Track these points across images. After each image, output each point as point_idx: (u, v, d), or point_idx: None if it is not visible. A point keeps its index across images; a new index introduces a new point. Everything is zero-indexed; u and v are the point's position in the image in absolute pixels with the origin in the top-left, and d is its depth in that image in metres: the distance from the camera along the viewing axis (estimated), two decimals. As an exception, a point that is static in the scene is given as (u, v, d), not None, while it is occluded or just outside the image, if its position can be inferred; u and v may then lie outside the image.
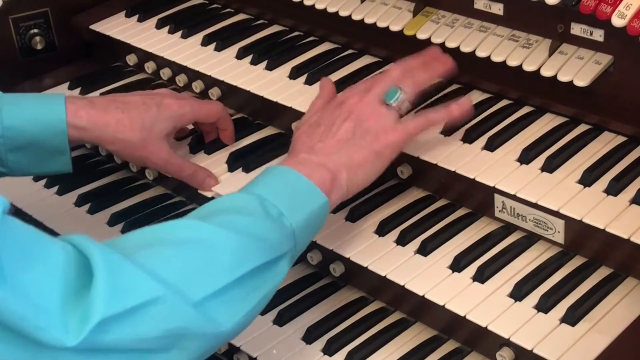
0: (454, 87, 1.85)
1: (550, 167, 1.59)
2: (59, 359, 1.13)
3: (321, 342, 1.60)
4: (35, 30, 2.31)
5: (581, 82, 1.65)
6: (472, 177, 1.61)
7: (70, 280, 1.15)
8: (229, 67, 2.04)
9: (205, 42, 2.14)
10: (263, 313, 1.66)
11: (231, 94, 2.04)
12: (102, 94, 2.19)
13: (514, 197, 1.57)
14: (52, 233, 1.94)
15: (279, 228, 1.39)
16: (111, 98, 1.82)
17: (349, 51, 2.03)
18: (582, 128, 1.68)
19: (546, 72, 1.69)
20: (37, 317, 1.11)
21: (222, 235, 1.32)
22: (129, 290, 1.18)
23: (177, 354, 1.24)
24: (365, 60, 1.99)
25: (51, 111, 1.71)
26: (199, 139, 1.97)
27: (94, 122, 1.73)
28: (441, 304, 1.50)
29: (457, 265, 1.56)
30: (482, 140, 1.68)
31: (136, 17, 2.30)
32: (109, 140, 1.76)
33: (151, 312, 1.19)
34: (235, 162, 1.88)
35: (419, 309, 1.59)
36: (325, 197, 1.47)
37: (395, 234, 1.65)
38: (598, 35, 1.67)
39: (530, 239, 1.60)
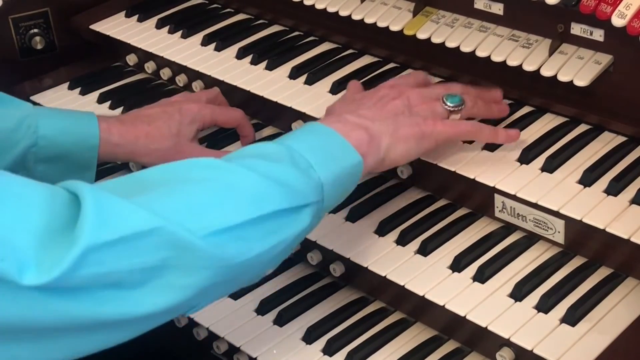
0: (454, 87, 1.85)
1: (550, 167, 1.59)
2: (19, 297, 1.12)
3: (321, 342, 1.60)
4: (35, 30, 2.31)
5: (581, 82, 1.65)
6: (472, 177, 1.61)
7: (55, 217, 1.15)
8: (229, 67, 2.04)
9: (205, 42, 2.14)
10: (263, 313, 1.67)
11: (231, 94, 2.03)
12: (102, 94, 2.19)
13: (514, 197, 1.57)
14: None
15: (305, 178, 1.38)
16: (136, 114, 1.86)
17: (349, 51, 2.03)
18: (582, 128, 1.68)
19: (546, 72, 1.69)
20: (1, 253, 1.10)
21: (242, 174, 1.32)
22: (120, 220, 1.17)
23: (161, 289, 1.22)
24: (365, 60, 1.99)
25: (85, 126, 1.74)
26: (200, 138, 1.96)
27: (125, 137, 1.77)
28: (441, 304, 1.50)
29: (457, 265, 1.56)
30: (482, 140, 1.68)
31: (136, 17, 2.30)
32: (143, 153, 1.79)
33: (145, 243, 1.18)
34: (235, 162, 1.88)
35: (419, 309, 1.59)
36: (359, 156, 1.46)
37: (395, 234, 1.65)
38: (598, 35, 1.67)
39: (530, 239, 1.60)
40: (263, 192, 1.31)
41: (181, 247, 1.21)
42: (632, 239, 1.44)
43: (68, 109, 1.83)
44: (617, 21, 1.54)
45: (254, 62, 2.03)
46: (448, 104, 1.60)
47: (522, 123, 1.71)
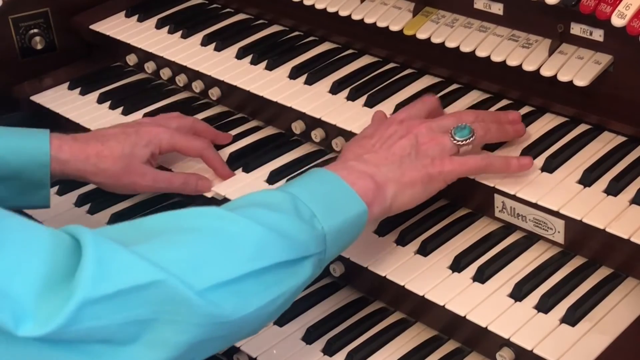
0: (454, 86, 1.85)
1: (550, 167, 1.59)
2: (12, 347, 1.10)
3: (321, 342, 1.60)
4: (35, 30, 2.31)
5: (581, 82, 1.65)
6: (472, 177, 1.61)
7: (56, 266, 1.13)
8: (228, 67, 2.04)
9: (205, 42, 2.14)
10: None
11: (231, 93, 2.04)
12: (102, 94, 2.19)
13: (514, 197, 1.57)
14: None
15: (308, 229, 1.36)
16: (92, 133, 1.83)
17: (349, 51, 2.03)
18: (582, 128, 1.68)
19: (546, 72, 1.69)
20: None
21: (244, 225, 1.29)
22: (119, 272, 1.16)
23: (153, 345, 1.19)
24: (365, 60, 1.99)
25: (36, 143, 1.71)
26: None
27: (75, 155, 1.74)
28: (441, 304, 1.50)
29: (457, 265, 1.56)
30: (482, 140, 1.68)
31: (136, 17, 2.30)
32: (92, 172, 1.76)
33: (141, 296, 1.16)
34: (235, 162, 1.89)
35: (419, 309, 1.59)
36: (364, 205, 1.43)
37: (395, 234, 1.64)
38: (598, 35, 1.67)
39: (530, 239, 1.60)
40: (265, 244, 1.30)
41: (177, 302, 1.19)
42: (632, 239, 1.44)
43: (20, 128, 1.77)
44: (617, 21, 1.54)
45: (254, 62, 2.03)
46: (457, 138, 1.55)
47: (522, 123, 1.71)
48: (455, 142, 1.55)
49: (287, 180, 1.79)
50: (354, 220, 1.42)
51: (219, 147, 1.94)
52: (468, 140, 1.55)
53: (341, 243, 1.43)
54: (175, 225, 1.29)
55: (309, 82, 1.94)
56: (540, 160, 1.61)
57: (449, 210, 1.69)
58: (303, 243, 1.34)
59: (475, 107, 1.77)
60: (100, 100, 2.18)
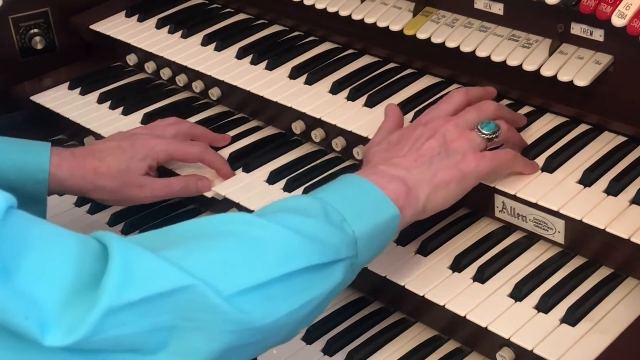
0: (454, 86, 1.85)
1: (550, 167, 1.59)
2: (38, 357, 1.08)
3: (321, 342, 1.60)
4: (35, 30, 2.31)
5: (581, 82, 1.65)
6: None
7: (83, 273, 1.12)
8: (229, 67, 2.04)
9: (205, 42, 2.14)
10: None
11: (231, 93, 2.04)
12: (102, 94, 2.19)
13: (514, 197, 1.57)
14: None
15: (338, 233, 1.34)
16: (89, 148, 1.82)
17: (349, 51, 2.03)
18: (582, 128, 1.68)
19: (546, 72, 1.69)
20: (25, 311, 1.06)
21: (273, 230, 1.28)
22: (145, 278, 1.14)
23: (181, 353, 1.17)
24: (365, 60, 1.99)
25: (36, 159, 1.69)
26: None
27: (73, 172, 1.73)
28: (441, 304, 1.50)
29: (457, 265, 1.56)
30: (482, 140, 1.68)
31: (136, 17, 2.30)
32: (91, 189, 1.75)
33: (168, 302, 1.14)
34: (235, 162, 1.89)
35: (419, 309, 1.59)
36: (396, 209, 1.41)
37: (395, 234, 1.65)
38: (598, 35, 1.67)
39: (530, 239, 1.60)
40: (294, 248, 1.28)
41: (205, 308, 1.17)
42: (632, 239, 1.44)
43: (21, 140, 1.76)
44: (617, 21, 1.54)
45: (254, 62, 2.03)
46: (484, 132, 1.54)
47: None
48: (483, 136, 1.54)
49: (287, 181, 1.80)
50: (386, 224, 1.41)
51: (219, 147, 1.94)
52: (496, 134, 1.54)
53: (374, 247, 1.41)
54: (203, 231, 1.27)
55: (309, 82, 1.94)
56: (540, 160, 1.61)
57: (449, 210, 1.69)
58: (333, 247, 1.32)
59: (475, 107, 1.77)
60: (100, 100, 2.18)
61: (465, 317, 1.47)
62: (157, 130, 1.87)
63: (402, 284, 1.55)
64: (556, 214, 1.52)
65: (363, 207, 1.39)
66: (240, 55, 2.07)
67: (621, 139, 1.64)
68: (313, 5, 2.05)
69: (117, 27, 2.28)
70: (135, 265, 1.14)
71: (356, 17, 1.97)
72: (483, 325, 1.45)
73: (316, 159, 1.87)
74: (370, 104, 1.83)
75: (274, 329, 1.26)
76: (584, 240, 1.53)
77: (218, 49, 2.11)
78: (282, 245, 1.27)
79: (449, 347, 1.56)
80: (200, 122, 2.04)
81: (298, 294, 1.28)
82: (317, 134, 1.86)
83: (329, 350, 1.58)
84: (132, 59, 2.26)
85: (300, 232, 1.29)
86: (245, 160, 1.88)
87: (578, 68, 1.67)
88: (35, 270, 1.09)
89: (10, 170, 1.67)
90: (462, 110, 1.60)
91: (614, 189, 1.52)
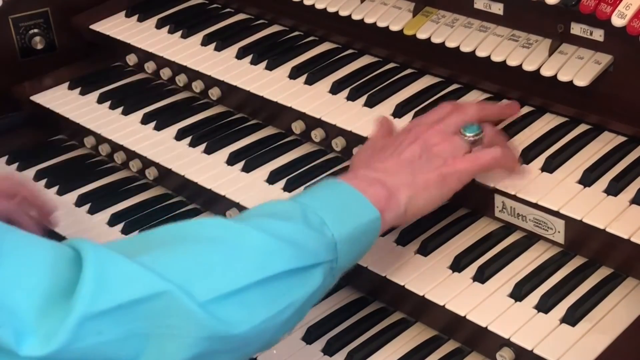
0: (454, 86, 1.85)
1: (550, 167, 1.59)
2: None
3: (321, 342, 1.60)
4: (35, 30, 2.31)
5: (581, 82, 1.65)
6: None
7: (57, 280, 1.10)
8: (229, 67, 2.04)
9: (205, 42, 2.14)
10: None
11: (231, 94, 2.04)
12: (102, 94, 2.19)
13: (514, 197, 1.57)
14: (53, 234, 1.94)
15: (317, 236, 1.32)
16: None
17: (349, 51, 2.03)
18: (582, 128, 1.68)
19: (546, 72, 1.69)
20: (0, 319, 1.05)
21: (251, 234, 1.26)
22: (120, 285, 1.12)
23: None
24: (365, 60, 1.99)
25: None
26: (200, 137, 1.97)
27: None
28: (441, 304, 1.50)
29: (457, 265, 1.56)
30: (482, 141, 1.68)
31: (136, 17, 2.30)
32: None
33: (144, 309, 1.13)
34: (235, 162, 1.89)
35: (419, 309, 1.59)
36: (377, 211, 1.40)
37: (395, 234, 1.64)
38: (598, 35, 1.67)
39: (530, 239, 1.60)
40: (271, 252, 1.26)
41: (180, 315, 1.16)
42: (632, 239, 1.44)
43: None
44: (617, 21, 1.54)
45: (254, 62, 2.03)
46: (467, 134, 1.53)
47: (522, 123, 1.71)
48: (466, 138, 1.53)
49: (287, 181, 1.80)
50: (366, 227, 1.39)
51: (220, 147, 1.94)
52: (479, 136, 1.54)
53: (355, 251, 1.40)
54: (180, 236, 1.26)
55: (309, 82, 1.94)
56: (540, 160, 1.61)
57: (449, 210, 1.69)
58: (312, 250, 1.31)
59: (475, 107, 1.77)
60: (100, 100, 2.18)
61: (465, 317, 1.47)
62: None
63: (402, 284, 1.55)
64: (556, 214, 1.52)
65: (343, 211, 1.38)
66: (240, 55, 2.07)
67: (621, 139, 1.64)
68: (313, 5, 2.05)
69: (117, 27, 2.28)
70: (109, 272, 1.13)
71: (356, 17, 1.97)
72: (483, 325, 1.45)
73: (316, 159, 1.87)
74: (370, 104, 1.83)
75: (251, 336, 1.24)
76: (584, 240, 1.53)
77: (218, 49, 2.11)
78: (259, 249, 1.25)
79: (449, 347, 1.56)
80: (200, 122, 2.05)
81: (276, 299, 1.26)
82: (317, 134, 1.86)
83: (329, 350, 1.58)
84: (132, 59, 2.26)
85: (278, 236, 1.28)
86: (245, 160, 1.88)
87: (578, 68, 1.67)
88: (10, 278, 1.08)
89: None
90: (443, 114, 1.59)
91: (614, 189, 1.52)
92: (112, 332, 1.12)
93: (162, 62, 2.17)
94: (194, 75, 2.10)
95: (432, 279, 1.55)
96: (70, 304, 1.09)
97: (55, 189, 2.07)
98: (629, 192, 1.52)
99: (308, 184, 1.78)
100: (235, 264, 1.23)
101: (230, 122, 2.04)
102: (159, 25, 2.25)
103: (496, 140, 1.58)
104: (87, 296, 1.10)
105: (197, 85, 2.09)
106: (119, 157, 2.06)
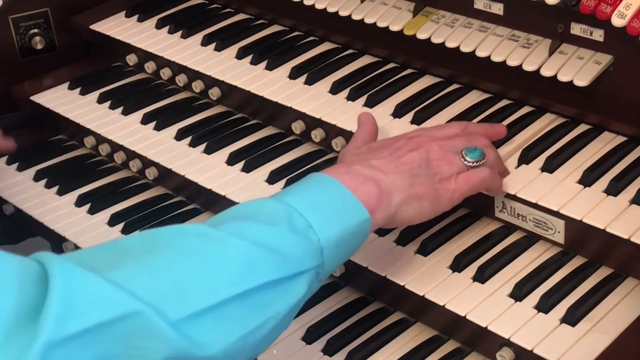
0: (454, 86, 1.85)
1: (550, 167, 1.59)
2: None
3: (321, 342, 1.60)
4: (35, 30, 2.31)
5: (581, 82, 1.65)
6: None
7: (24, 300, 1.04)
8: (229, 67, 2.04)
9: (205, 42, 2.14)
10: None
11: (231, 94, 2.04)
12: (102, 94, 2.20)
13: (514, 197, 1.57)
14: (53, 234, 1.94)
15: (302, 242, 1.25)
16: None
17: (349, 51, 2.03)
18: (582, 128, 1.68)
19: (546, 72, 1.69)
20: None
21: (229, 243, 1.19)
22: (89, 306, 1.06)
23: None
24: (365, 60, 1.99)
25: None
26: (200, 138, 1.97)
27: None
28: (441, 304, 1.50)
29: (457, 265, 1.56)
30: (482, 140, 1.68)
31: (136, 17, 2.30)
32: None
33: (114, 331, 1.06)
34: (235, 162, 1.89)
35: (419, 309, 1.59)
36: (366, 212, 1.34)
37: (395, 233, 1.64)
38: (598, 35, 1.67)
39: (530, 239, 1.60)
40: (251, 262, 1.18)
41: (151, 335, 1.09)
42: (632, 239, 1.44)
43: None
44: (617, 21, 1.54)
45: (254, 62, 2.03)
46: (467, 159, 1.49)
47: (522, 123, 1.71)
48: (465, 162, 1.49)
49: (287, 181, 1.80)
50: (355, 229, 1.34)
51: (220, 147, 1.94)
52: (479, 163, 1.50)
53: (342, 253, 1.35)
54: (154, 246, 1.18)
55: (309, 82, 1.94)
56: (540, 160, 1.61)
57: (449, 210, 1.69)
58: (296, 258, 1.24)
59: (475, 107, 1.77)
60: (100, 100, 2.18)
61: (465, 317, 1.47)
62: None
63: (402, 284, 1.55)
64: (556, 214, 1.52)
65: (331, 212, 1.31)
66: (240, 55, 2.07)
67: (621, 139, 1.64)
68: (313, 5, 2.05)
69: (117, 27, 2.28)
70: (77, 292, 1.06)
71: (356, 17, 1.97)
72: (483, 325, 1.45)
73: (316, 159, 1.87)
74: (370, 104, 1.83)
75: (226, 355, 1.16)
76: (584, 240, 1.53)
77: (218, 49, 2.11)
78: (239, 259, 1.18)
79: (449, 347, 1.56)
80: (200, 122, 2.05)
81: (255, 313, 1.19)
82: (317, 134, 1.86)
83: (329, 350, 1.58)
84: (132, 59, 2.26)
85: (259, 244, 1.21)
86: (245, 160, 1.88)
87: (578, 68, 1.67)
88: None
89: None
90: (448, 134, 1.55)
91: (614, 189, 1.52)
92: (80, 356, 1.05)
93: (162, 62, 2.17)
94: (194, 75, 2.10)
95: (432, 279, 1.55)
96: (36, 328, 1.02)
97: (55, 189, 2.07)
98: (629, 192, 1.52)
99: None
100: (212, 277, 1.16)
101: (230, 122, 2.05)
102: (159, 26, 2.25)
103: (496, 167, 1.55)
104: (53, 320, 1.03)
105: (197, 85, 2.09)
106: (119, 157, 2.06)
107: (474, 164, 1.49)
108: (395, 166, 1.44)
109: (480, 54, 1.78)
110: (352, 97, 1.86)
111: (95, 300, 1.07)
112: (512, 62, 1.74)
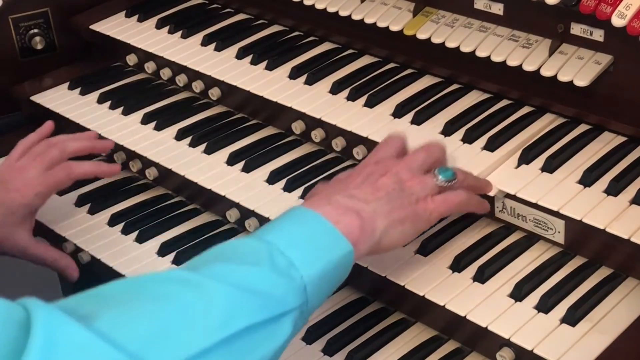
0: (454, 86, 1.85)
1: (550, 167, 1.59)
2: None
3: (321, 342, 1.60)
4: (35, 30, 2.31)
5: (581, 82, 1.65)
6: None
7: (5, 348, 1.01)
8: (229, 67, 2.04)
9: (205, 42, 2.14)
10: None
11: (231, 94, 2.04)
12: (102, 94, 2.19)
13: (514, 197, 1.57)
14: (53, 234, 1.94)
15: (285, 281, 1.23)
16: None
17: (349, 51, 2.03)
18: (582, 128, 1.68)
19: (546, 72, 1.70)
20: None
21: (209, 288, 1.16)
22: (69, 357, 1.02)
23: None
24: (365, 60, 1.99)
25: None
26: (200, 138, 1.97)
27: None
28: (441, 304, 1.50)
29: (457, 265, 1.56)
30: (482, 141, 1.68)
31: (136, 17, 2.30)
32: None
33: None
34: (235, 162, 1.89)
35: (419, 309, 1.59)
36: (349, 245, 1.32)
37: (395, 234, 1.64)
38: (598, 35, 1.67)
39: (530, 239, 1.60)
40: (233, 306, 1.16)
41: None
42: (632, 239, 1.44)
43: None
44: (617, 21, 1.55)
45: (254, 62, 2.03)
46: (440, 178, 1.48)
47: (522, 123, 1.71)
48: (438, 182, 1.48)
49: (287, 181, 1.80)
50: (338, 262, 1.31)
51: (220, 147, 1.94)
52: (451, 182, 1.49)
53: (326, 288, 1.32)
54: (136, 293, 1.16)
55: (309, 82, 1.94)
56: (540, 160, 1.61)
57: (449, 211, 1.69)
58: (279, 298, 1.21)
59: (475, 107, 1.77)
60: (100, 100, 2.18)
61: (465, 317, 1.47)
62: (21, 180, 1.80)
63: (402, 284, 1.55)
64: (556, 214, 1.52)
65: (313, 247, 1.29)
66: (240, 55, 2.07)
67: (621, 139, 1.64)
68: (313, 5, 2.05)
69: (117, 27, 2.28)
70: (58, 341, 1.03)
71: (356, 17, 1.97)
72: (483, 325, 1.45)
73: (316, 159, 1.87)
74: (370, 104, 1.83)
75: None
76: (584, 240, 1.54)
77: (218, 49, 2.11)
78: (221, 304, 1.15)
79: (449, 347, 1.56)
80: (200, 122, 2.05)
81: (241, 358, 1.16)
82: (317, 134, 1.86)
83: (329, 350, 1.58)
84: (132, 59, 2.26)
85: (241, 287, 1.18)
86: (246, 160, 1.88)
87: (578, 68, 1.67)
88: None
89: None
90: (410, 152, 1.54)
91: (613, 189, 1.52)
92: None
93: (162, 62, 2.17)
94: (194, 75, 2.10)
95: (432, 279, 1.55)
96: None
97: (55, 189, 2.07)
98: (629, 192, 1.52)
99: (308, 184, 1.78)
100: (195, 324, 1.13)
101: (230, 122, 2.05)
102: (159, 26, 2.25)
103: (466, 183, 1.54)
104: None
105: (197, 86, 2.09)
106: (119, 157, 2.06)
107: (447, 183, 1.49)
108: (372, 192, 1.42)
109: (480, 54, 1.78)
110: (352, 97, 1.86)
111: (77, 351, 1.04)
112: (512, 62, 1.74)
